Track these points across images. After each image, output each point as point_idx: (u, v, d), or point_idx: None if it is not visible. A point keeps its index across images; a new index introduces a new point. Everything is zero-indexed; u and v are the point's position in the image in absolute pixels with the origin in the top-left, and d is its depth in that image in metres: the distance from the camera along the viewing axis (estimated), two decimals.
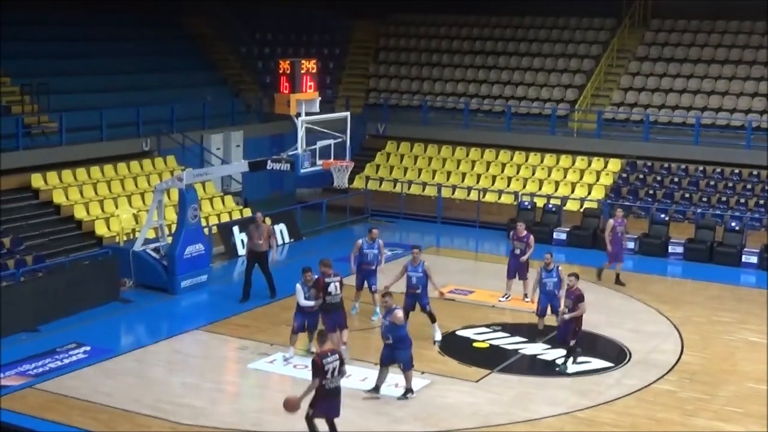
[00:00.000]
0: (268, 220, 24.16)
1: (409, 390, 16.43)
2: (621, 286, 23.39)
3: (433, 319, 19.17)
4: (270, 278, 21.90)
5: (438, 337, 19.18)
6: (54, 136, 26.41)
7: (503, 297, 22.20)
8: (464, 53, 37.11)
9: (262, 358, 18.13)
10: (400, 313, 16.34)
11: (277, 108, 22.54)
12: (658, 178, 30.40)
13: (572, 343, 17.77)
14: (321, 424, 14.04)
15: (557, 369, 17.77)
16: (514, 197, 30.43)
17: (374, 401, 16.25)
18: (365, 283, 20.65)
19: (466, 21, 38.29)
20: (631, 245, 26.97)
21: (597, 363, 18.26)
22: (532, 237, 22.25)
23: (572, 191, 30.66)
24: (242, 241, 25.08)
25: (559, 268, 19.83)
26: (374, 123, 34.75)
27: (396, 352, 16.26)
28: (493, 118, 34.38)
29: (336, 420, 14.14)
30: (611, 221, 23.89)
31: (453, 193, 31.39)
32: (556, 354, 18.54)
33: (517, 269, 22.10)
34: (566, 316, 17.74)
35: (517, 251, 22.07)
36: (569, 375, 17.68)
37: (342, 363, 14.03)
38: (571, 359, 17.88)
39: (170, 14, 36.04)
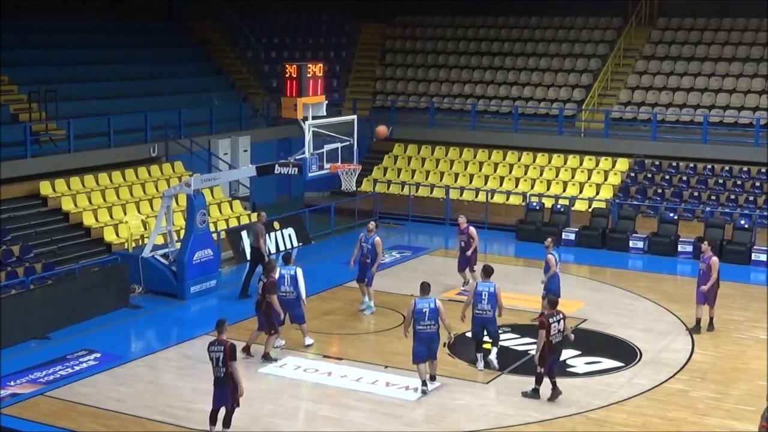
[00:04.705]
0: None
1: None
2: (697, 333, 20.16)
3: (496, 344, 18.18)
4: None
5: (480, 365, 18.05)
6: (62, 144, 26.46)
7: (463, 287, 22.39)
8: (470, 54, 37.09)
9: (272, 362, 18.11)
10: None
11: (284, 112, 22.55)
12: (667, 176, 30.33)
13: (540, 370, 16.37)
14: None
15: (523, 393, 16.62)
16: (522, 198, 30.40)
17: (387, 404, 16.24)
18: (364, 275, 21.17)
19: (472, 22, 38.29)
20: (640, 244, 27.00)
21: (608, 363, 18.22)
22: (472, 228, 22.48)
23: (580, 191, 30.62)
24: (248, 241, 24.84)
25: None
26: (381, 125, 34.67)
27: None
28: (501, 119, 34.37)
29: (225, 408, 14.70)
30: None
31: (461, 195, 31.36)
32: (566, 354, 18.52)
33: (466, 261, 22.43)
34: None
35: (462, 244, 22.42)
36: (580, 375, 17.63)
37: (226, 356, 14.38)
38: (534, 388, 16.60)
39: (177, 20, 36.14)
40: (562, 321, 16.28)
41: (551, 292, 20.16)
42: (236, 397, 14.59)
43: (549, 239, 20.93)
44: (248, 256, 24.27)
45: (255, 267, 22.26)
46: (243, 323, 20.49)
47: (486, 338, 18.09)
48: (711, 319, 20.34)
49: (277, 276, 18.16)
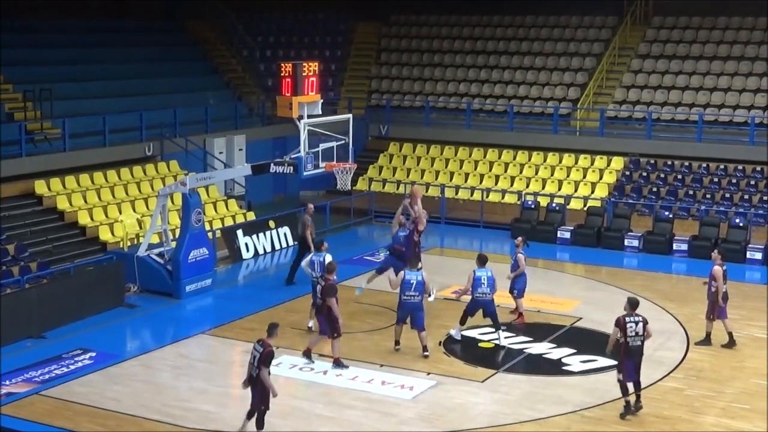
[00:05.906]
0: None
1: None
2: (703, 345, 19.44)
3: (497, 327, 19.01)
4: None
5: (458, 335, 19.29)
6: (57, 142, 26.43)
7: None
8: (466, 53, 37.10)
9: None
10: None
11: (280, 111, 22.56)
12: (662, 175, 30.36)
13: (619, 377, 15.74)
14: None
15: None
16: (517, 197, 30.40)
17: (382, 403, 16.24)
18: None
19: (467, 21, 38.27)
20: (635, 243, 27.02)
21: (603, 361, 18.18)
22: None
23: (576, 190, 30.64)
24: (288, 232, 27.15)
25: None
26: (377, 124, 34.74)
27: None
28: (496, 118, 34.36)
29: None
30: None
31: (456, 194, 31.38)
32: (561, 353, 18.59)
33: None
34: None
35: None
36: (575, 374, 17.67)
37: (261, 359, 14.44)
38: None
39: (173, 19, 36.10)
40: (641, 324, 15.40)
41: (519, 291, 20.41)
42: (266, 400, 14.55)
43: (519, 238, 21.12)
44: (293, 243, 26.45)
45: (302, 255, 22.64)
46: (238, 322, 20.52)
47: (485, 338, 18.45)
48: (708, 335, 19.36)
49: (334, 278, 17.79)
